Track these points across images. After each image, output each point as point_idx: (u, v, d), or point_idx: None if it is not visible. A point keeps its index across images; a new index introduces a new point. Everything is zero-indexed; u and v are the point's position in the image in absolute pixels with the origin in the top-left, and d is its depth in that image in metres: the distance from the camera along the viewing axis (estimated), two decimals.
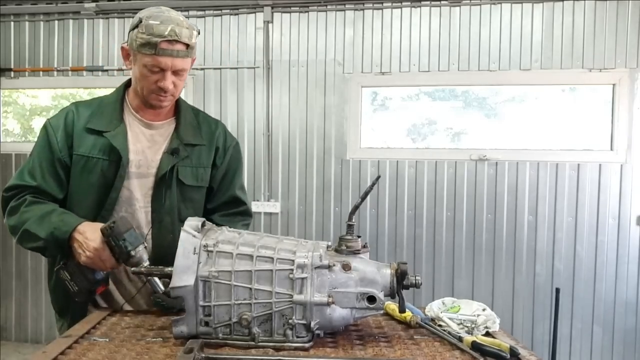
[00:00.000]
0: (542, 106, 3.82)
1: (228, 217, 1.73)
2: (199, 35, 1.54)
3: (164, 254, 1.49)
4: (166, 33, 1.42)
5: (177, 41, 1.44)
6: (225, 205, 1.74)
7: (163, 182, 1.57)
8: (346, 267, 1.16)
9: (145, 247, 1.38)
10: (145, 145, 1.59)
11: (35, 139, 1.61)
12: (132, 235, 1.35)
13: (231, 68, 3.93)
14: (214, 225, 1.34)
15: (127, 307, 1.58)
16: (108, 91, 1.69)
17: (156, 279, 1.37)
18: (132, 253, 1.33)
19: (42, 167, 1.54)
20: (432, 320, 1.32)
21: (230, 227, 1.68)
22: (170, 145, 1.59)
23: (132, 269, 1.34)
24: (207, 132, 1.69)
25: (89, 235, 1.38)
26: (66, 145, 1.54)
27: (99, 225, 1.38)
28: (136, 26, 1.47)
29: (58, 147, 1.54)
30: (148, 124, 1.61)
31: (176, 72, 1.50)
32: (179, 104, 1.68)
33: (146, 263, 1.35)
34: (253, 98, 3.91)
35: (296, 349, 1.14)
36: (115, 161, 1.53)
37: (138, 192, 1.58)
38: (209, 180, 1.69)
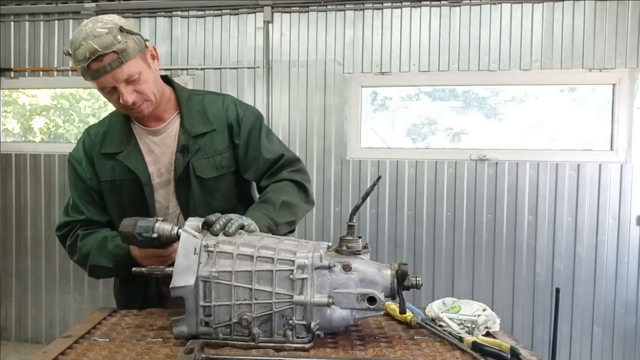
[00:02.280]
0: (542, 106, 3.82)
1: (270, 177, 1.61)
2: (123, 30, 1.38)
3: None
4: (88, 55, 1.34)
5: (102, 55, 1.35)
6: (266, 171, 1.63)
7: (181, 183, 1.55)
8: (346, 268, 1.16)
9: (159, 220, 1.28)
10: (159, 152, 1.57)
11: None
12: (141, 226, 1.28)
13: (231, 68, 3.93)
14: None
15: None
16: None
17: None
18: (155, 235, 1.26)
19: (81, 200, 1.59)
20: (433, 320, 1.32)
21: (277, 184, 1.60)
22: (179, 143, 1.55)
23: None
24: (215, 114, 1.59)
25: (133, 249, 1.45)
26: (94, 172, 1.58)
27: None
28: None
29: (87, 176, 1.58)
30: (154, 131, 1.58)
31: (128, 81, 1.40)
32: (177, 95, 1.60)
33: (177, 227, 1.27)
34: (253, 98, 3.91)
35: (296, 349, 1.14)
36: (137, 179, 1.54)
37: (165, 200, 1.58)
38: (231, 165, 1.60)
